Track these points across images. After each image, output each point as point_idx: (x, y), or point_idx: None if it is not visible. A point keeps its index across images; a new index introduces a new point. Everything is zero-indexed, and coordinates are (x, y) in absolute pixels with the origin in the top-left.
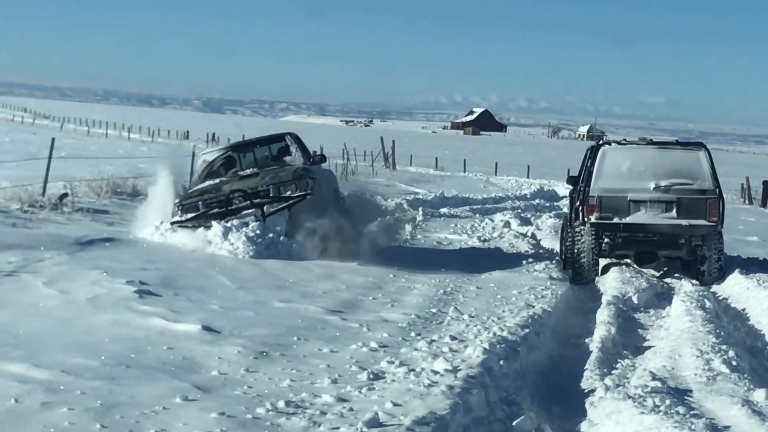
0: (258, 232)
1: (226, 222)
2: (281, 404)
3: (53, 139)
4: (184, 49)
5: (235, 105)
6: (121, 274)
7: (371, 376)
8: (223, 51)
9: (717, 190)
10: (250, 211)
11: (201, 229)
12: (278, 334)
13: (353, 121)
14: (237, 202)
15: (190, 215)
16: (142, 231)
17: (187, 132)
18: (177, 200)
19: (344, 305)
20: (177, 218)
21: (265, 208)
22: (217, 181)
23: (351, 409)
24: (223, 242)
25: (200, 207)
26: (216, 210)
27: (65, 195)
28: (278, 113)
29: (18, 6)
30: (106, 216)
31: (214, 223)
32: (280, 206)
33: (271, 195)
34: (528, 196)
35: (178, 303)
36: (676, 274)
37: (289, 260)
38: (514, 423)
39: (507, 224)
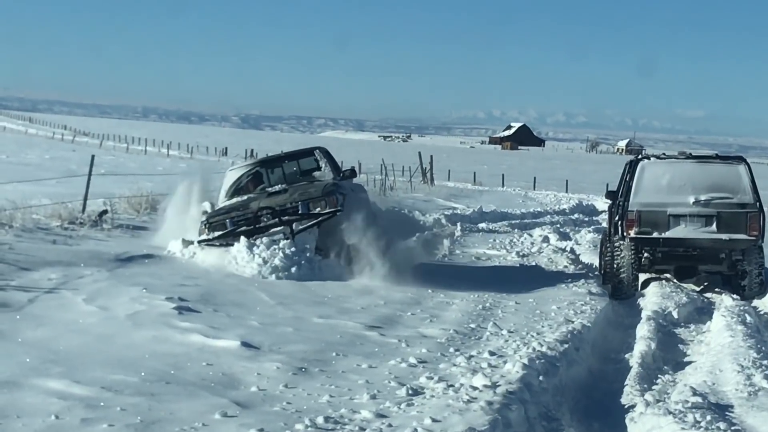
0: (287, 252)
1: (254, 239)
2: (320, 420)
3: (93, 156)
4: (222, 66)
5: (273, 121)
6: (161, 290)
7: (410, 392)
8: (262, 68)
9: (757, 203)
10: (278, 228)
11: (224, 250)
12: (317, 349)
13: (391, 137)
14: (265, 219)
15: (217, 233)
16: (170, 249)
17: (226, 148)
18: (204, 218)
19: (383, 321)
20: (204, 236)
21: (294, 225)
22: (245, 197)
23: (390, 425)
24: (248, 263)
25: (228, 225)
26: (244, 228)
27: (105, 212)
28: (316, 129)
29: (59, 25)
30: (146, 232)
31: (241, 240)
32: (309, 223)
33: (300, 212)
34: (567, 211)
35: (217, 319)
36: (716, 289)
37: (321, 281)
38: None
39: (546, 239)
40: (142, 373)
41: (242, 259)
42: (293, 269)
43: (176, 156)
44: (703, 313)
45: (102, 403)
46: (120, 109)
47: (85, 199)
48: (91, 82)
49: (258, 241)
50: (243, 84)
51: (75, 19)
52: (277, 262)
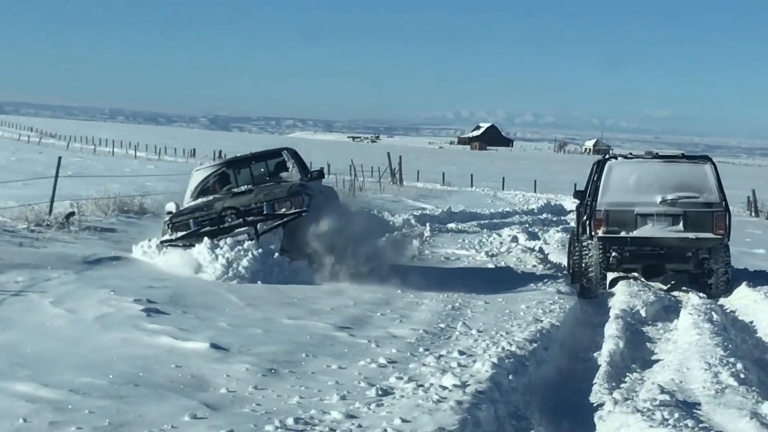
0: (254, 254)
1: (218, 240)
2: (290, 421)
3: (60, 158)
4: (190, 68)
5: (241, 122)
6: (129, 292)
7: (380, 393)
8: (230, 69)
9: (723, 203)
10: (243, 229)
11: (187, 251)
12: (286, 351)
13: (360, 137)
14: (229, 219)
15: (180, 234)
16: (134, 251)
17: (194, 150)
18: (167, 218)
19: (352, 321)
20: (167, 237)
21: (258, 226)
22: (210, 198)
23: (360, 426)
24: (210, 263)
25: (191, 225)
26: (207, 228)
27: (72, 214)
28: (285, 130)
29: (25, 26)
30: (113, 234)
31: (204, 241)
32: (274, 224)
33: (264, 212)
34: (535, 211)
35: (186, 321)
36: (683, 288)
37: (287, 284)
38: None
39: (515, 239)
40: (111, 376)
41: (204, 260)
42: (257, 275)
43: (144, 157)
44: (670, 311)
45: (70, 406)
46: (87, 110)
47: (52, 201)
48: (58, 83)
49: (222, 242)
50: (211, 85)
51: (41, 20)
52: (241, 268)
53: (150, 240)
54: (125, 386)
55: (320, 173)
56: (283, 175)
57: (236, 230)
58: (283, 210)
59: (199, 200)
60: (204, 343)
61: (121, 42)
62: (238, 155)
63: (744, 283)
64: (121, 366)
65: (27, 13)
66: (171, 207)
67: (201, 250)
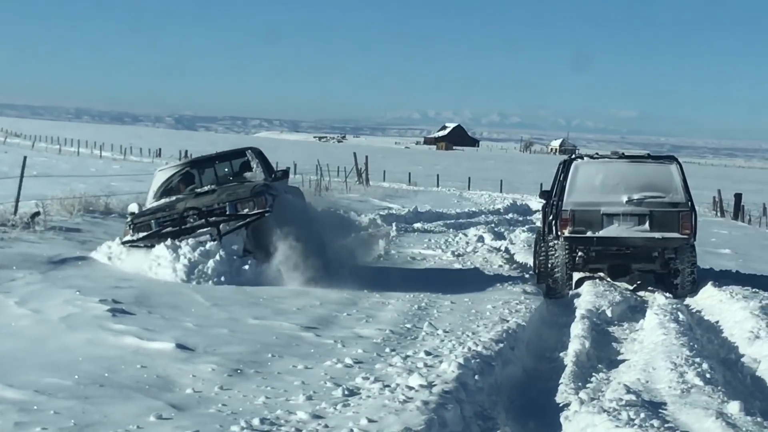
0: (218, 257)
1: (179, 241)
2: (256, 422)
3: (25, 158)
4: (156, 67)
5: (207, 122)
6: (94, 292)
7: (346, 393)
8: (195, 68)
9: (689, 202)
10: (205, 229)
11: (149, 252)
12: (252, 351)
13: (326, 137)
14: (191, 220)
15: (141, 234)
16: (95, 253)
17: (160, 149)
18: (129, 219)
19: (318, 321)
20: (128, 237)
21: (221, 226)
22: (173, 198)
23: (326, 426)
24: (171, 263)
25: (153, 226)
26: (169, 229)
27: (37, 213)
28: (251, 130)
29: None
30: (79, 234)
31: (161, 244)
32: (237, 225)
33: (227, 213)
34: (501, 211)
35: (151, 321)
36: (649, 288)
37: (252, 286)
38: None
39: (481, 239)
40: (76, 376)
41: (165, 261)
42: (221, 277)
43: (109, 157)
44: (636, 311)
45: (35, 407)
46: (52, 110)
47: (17, 200)
48: (22, 83)
49: (183, 243)
50: (177, 84)
51: (4, 18)
52: (207, 269)
53: (112, 241)
54: (91, 387)
55: (285, 173)
56: (247, 175)
57: (198, 231)
58: (246, 210)
59: (162, 201)
60: (170, 344)
61: (87, 41)
62: (203, 155)
63: (710, 283)
64: (87, 366)
65: None
66: (133, 208)
67: (160, 251)
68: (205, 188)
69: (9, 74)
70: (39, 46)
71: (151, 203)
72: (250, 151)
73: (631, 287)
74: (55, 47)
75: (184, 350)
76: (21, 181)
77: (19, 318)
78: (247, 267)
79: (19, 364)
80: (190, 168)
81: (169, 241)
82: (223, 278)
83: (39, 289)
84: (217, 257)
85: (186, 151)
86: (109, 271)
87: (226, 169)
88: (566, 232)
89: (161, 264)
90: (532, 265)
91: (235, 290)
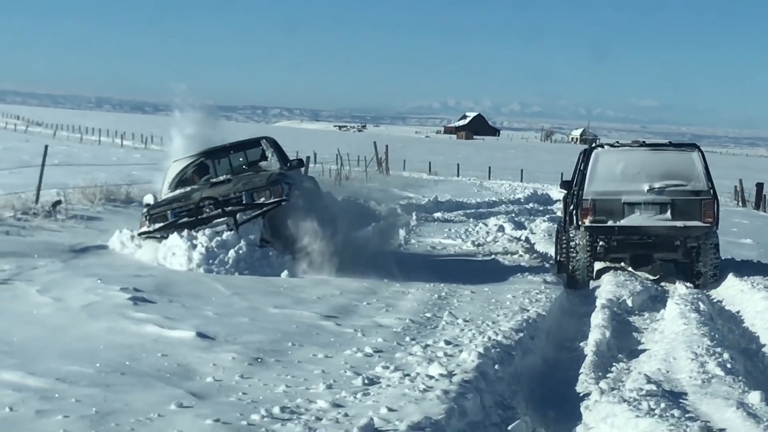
0: (238, 250)
1: (196, 231)
2: (276, 410)
3: (46, 147)
4: (176, 56)
5: (228, 111)
6: (115, 281)
7: (366, 382)
8: (216, 57)
9: (711, 190)
10: (221, 219)
11: (160, 243)
12: (273, 340)
13: (346, 126)
14: (208, 210)
15: (158, 225)
16: (111, 242)
17: None
18: (145, 209)
19: (338, 310)
20: (145, 228)
21: (237, 216)
22: (188, 189)
23: (346, 415)
24: (182, 257)
25: (169, 216)
26: (186, 219)
27: (58, 202)
28: (271, 119)
29: (10, 14)
30: (100, 223)
31: (173, 235)
32: (253, 214)
33: (243, 202)
34: (522, 200)
35: (172, 310)
36: (669, 277)
37: (269, 276)
38: (509, 427)
39: (501, 228)
40: (97, 364)
41: (179, 250)
42: (239, 268)
43: (130, 146)
44: (657, 301)
45: (57, 395)
46: (73, 99)
47: (39, 189)
48: (44, 72)
49: (199, 234)
50: (197, 74)
51: (27, 9)
52: (224, 260)
53: (123, 231)
54: (112, 375)
55: (300, 162)
56: (263, 164)
57: (215, 221)
58: (263, 199)
59: (177, 191)
60: (190, 332)
61: (108, 30)
62: (216, 145)
63: (731, 273)
64: (108, 354)
65: (13, 1)
66: (149, 199)
67: (175, 241)
68: (221, 178)
69: (31, 63)
70: (60, 36)
71: (166, 194)
72: (264, 140)
73: (653, 277)
74: (76, 36)
75: (204, 339)
76: (42, 169)
77: (41, 306)
78: (266, 259)
79: (40, 352)
80: (205, 158)
81: (186, 233)
82: (243, 270)
83: (60, 277)
84: (237, 249)
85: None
86: (130, 260)
87: (241, 159)
88: (587, 222)
89: (176, 254)
90: (552, 254)
91: (256, 279)
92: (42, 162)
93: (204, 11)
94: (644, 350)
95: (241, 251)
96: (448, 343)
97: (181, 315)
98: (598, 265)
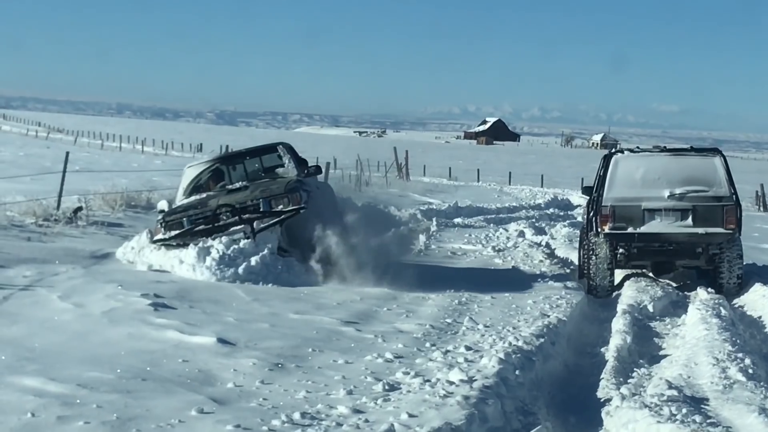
0: (257, 259)
1: (212, 239)
2: (297, 416)
3: (67, 153)
4: (197, 63)
5: (248, 117)
6: (136, 287)
7: (387, 387)
8: (236, 64)
9: (734, 196)
10: (238, 227)
11: (175, 251)
12: (293, 345)
13: (366, 132)
14: (224, 217)
15: (174, 233)
16: (120, 251)
17: (201, 144)
18: (160, 217)
19: (359, 316)
20: (160, 236)
21: (255, 224)
22: (204, 195)
23: (367, 421)
24: (200, 266)
25: (185, 224)
26: (202, 227)
27: (80, 209)
28: (291, 125)
29: (33, 22)
30: (121, 229)
31: (190, 247)
32: (271, 222)
33: (261, 210)
34: (542, 206)
35: (193, 315)
36: (689, 282)
37: (285, 287)
38: None
39: (521, 234)
40: (118, 370)
41: (192, 258)
42: (258, 277)
43: (151, 152)
44: (678, 306)
45: (78, 401)
46: (94, 105)
47: (60, 195)
48: (65, 78)
49: (216, 242)
50: (218, 80)
51: (49, 15)
52: (240, 271)
53: (132, 239)
54: (133, 380)
55: (317, 169)
56: (279, 170)
57: (232, 228)
58: (281, 207)
59: (192, 198)
60: (211, 338)
61: (129, 37)
62: (233, 151)
63: (753, 278)
64: (129, 360)
65: (34, 8)
66: (163, 205)
67: (190, 253)
68: (237, 185)
69: (52, 70)
70: (81, 43)
71: (180, 200)
72: (280, 146)
73: (675, 284)
74: (98, 43)
75: (225, 344)
76: (63, 176)
77: (62, 312)
78: (286, 268)
79: (61, 358)
80: (220, 164)
81: (193, 247)
82: (261, 281)
83: (81, 283)
84: (261, 257)
85: (227, 146)
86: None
87: (257, 165)
88: (606, 229)
89: (191, 263)
90: (572, 260)
91: (276, 285)
92: (63, 168)
93: (224, 19)
94: (665, 356)
95: (264, 260)
96: (468, 348)
97: (202, 321)
98: (619, 272)
